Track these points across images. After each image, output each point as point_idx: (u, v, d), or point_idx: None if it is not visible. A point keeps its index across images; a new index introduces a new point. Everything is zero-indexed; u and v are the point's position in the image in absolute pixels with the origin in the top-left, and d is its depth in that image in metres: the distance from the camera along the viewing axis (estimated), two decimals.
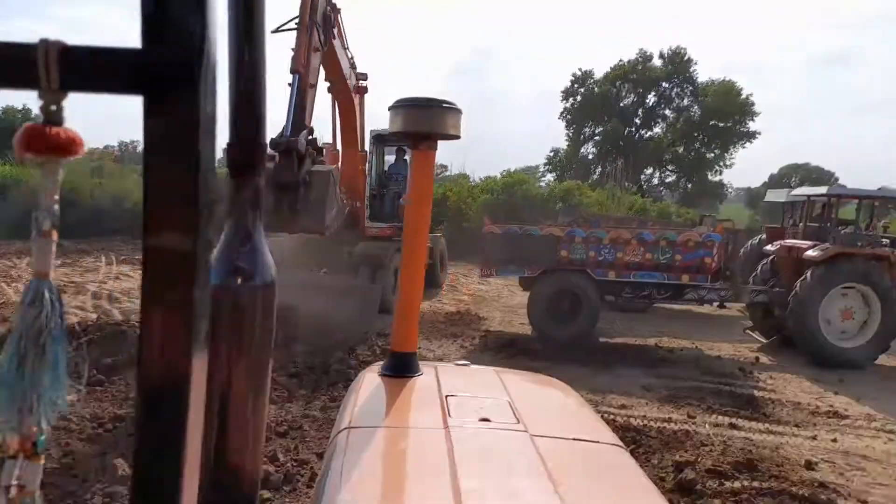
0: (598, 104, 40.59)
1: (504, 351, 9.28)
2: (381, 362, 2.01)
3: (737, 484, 5.21)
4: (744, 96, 38.61)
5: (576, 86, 41.97)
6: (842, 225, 11.47)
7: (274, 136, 7.90)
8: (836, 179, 43.62)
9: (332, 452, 1.46)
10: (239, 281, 0.83)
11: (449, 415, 1.57)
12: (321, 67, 9.33)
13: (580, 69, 42.28)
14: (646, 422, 6.61)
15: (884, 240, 11.32)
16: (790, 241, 11.04)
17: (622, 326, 11.56)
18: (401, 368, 1.92)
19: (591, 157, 41.34)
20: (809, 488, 5.17)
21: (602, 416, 6.58)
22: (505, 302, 13.69)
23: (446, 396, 1.70)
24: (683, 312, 12.85)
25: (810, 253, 9.79)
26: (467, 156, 47.85)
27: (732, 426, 6.68)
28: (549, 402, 1.95)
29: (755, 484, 5.21)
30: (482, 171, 31.63)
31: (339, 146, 12.08)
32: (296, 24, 8.57)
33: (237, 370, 0.82)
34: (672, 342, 10.54)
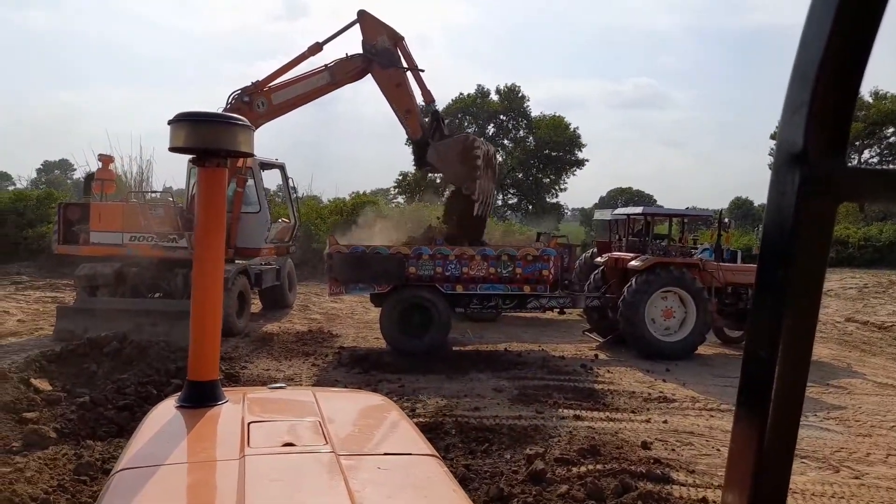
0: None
1: (358, 366, 9.12)
2: (179, 393, 1.85)
3: (583, 468, 5.47)
4: (571, 129, 42.16)
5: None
6: (658, 238, 12.83)
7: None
8: (655, 201, 48.97)
9: (101, 498, 1.32)
10: None
11: (248, 444, 1.48)
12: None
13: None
14: (498, 420, 6.76)
15: (693, 249, 12.81)
16: (616, 254, 12.12)
17: (473, 335, 11.87)
18: (200, 398, 1.80)
19: (438, 181, 42.62)
20: (646, 465, 5.57)
21: (456, 420, 6.64)
22: (359, 318, 13.50)
23: (249, 424, 1.61)
24: (529, 319, 13.50)
25: (633, 263, 10.83)
26: (314, 179, 47.25)
27: (577, 417, 7.04)
28: (365, 419, 1.91)
29: (599, 467, 5.51)
30: (332, 193, 31.19)
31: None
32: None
33: None
34: (520, 346, 11.00)
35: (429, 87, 11.20)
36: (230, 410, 1.75)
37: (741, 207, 51.09)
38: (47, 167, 68.36)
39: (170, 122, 1.76)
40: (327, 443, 1.50)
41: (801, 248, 0.62)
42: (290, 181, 14.18)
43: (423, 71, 11.13)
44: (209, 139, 1.75)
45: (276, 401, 1.96)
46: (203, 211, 1.84)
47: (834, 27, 0.58)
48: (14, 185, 37.17)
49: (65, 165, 61.63)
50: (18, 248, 21.07)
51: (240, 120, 1.80)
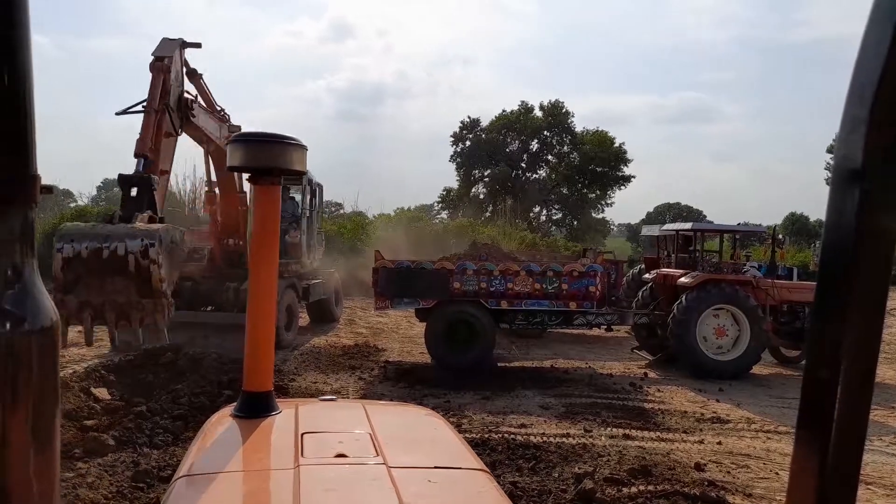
0: (486, 149, 42.40)
1: (403, 380, 9.16)
2: (234, 403, 1.91)
3: (633, 489, 5.35)
4: (616, 145, 41.75)
5: (464, 132, 43.72)
6: (709, 254, 12.53)
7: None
8: (704, 216, 47.83)
9: None
10: (8, 326, 0.76)
11: (302, 454, 1.51)
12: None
13: (468, 117, 44.16)
14: (545, 438, 6.68)
15: (745, 266, 12.43)
16: (665, 270, 11.86)
17: (519, 351, 11.78)
18: (255, 408, 1.84)
19: (482, 196, 42.76)
20: (700, 487, 5.40)
21: (502, 436, 6.59)
22: (404, 333, 13.59)
23: (302, 435, 1.64)
24: (576, 336, 13.32)
25: (683, 280, 10.61)
26: (359, 195, 47.84)
27: (626, 436, 6.90)
28: (414, 432, 1.92)
29: (650, 488, 5.37)
30: (377, 209, 31.78)
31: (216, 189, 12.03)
32: (143, 107, 8.24)
33: (14, 424, 0.74)
34: (567, 363, 10.87)
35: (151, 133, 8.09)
36: (284, 421, 1.80)
37: (796, 223, 49.40)
38: (107, 185, 71.19)
39: (228, 143, 1.85)
40: (378, 455, 1.52)
41: (861, 266, 0.61)
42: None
43: (162, 108, 8.32)
44: (264, 158, 1.84)
45: (327, 413, 2.00)
46: (258, 227, 1.91)
47: (892, 45, 0.58)
48: (75, 202, 38.86)
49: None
50: None
51: (293, 140, 1.87)
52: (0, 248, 0.79)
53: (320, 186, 14.24)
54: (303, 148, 1.89)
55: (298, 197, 13.46)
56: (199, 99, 10.01)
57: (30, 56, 0.78)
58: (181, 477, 1.44)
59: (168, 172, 8.66)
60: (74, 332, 12.69)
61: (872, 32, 0.60)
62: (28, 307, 0.78)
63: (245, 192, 11.74)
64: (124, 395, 7.50)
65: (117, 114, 8.55)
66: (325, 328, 13.91)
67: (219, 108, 10.76)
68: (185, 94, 9.16)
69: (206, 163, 11.60)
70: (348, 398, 8.03)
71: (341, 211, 30.77)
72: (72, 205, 36.12)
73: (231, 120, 11.11)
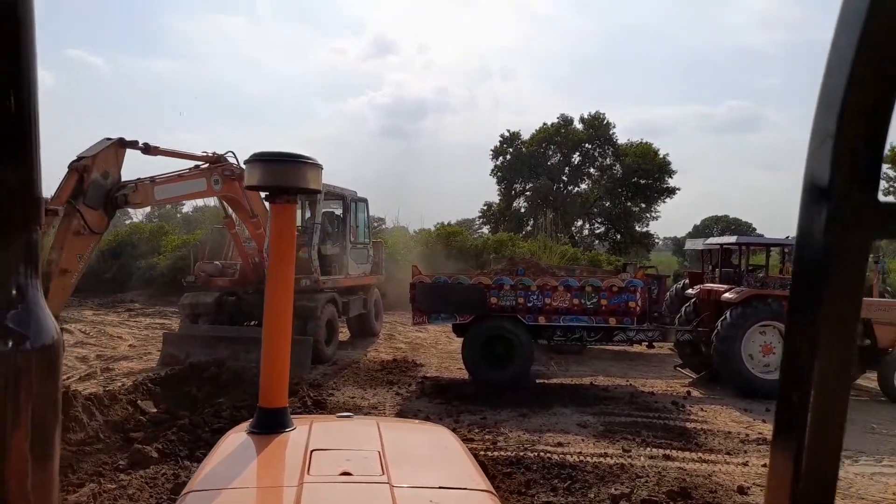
0: (526, 163, 42.35)
1: (440, 396, 9.13)
2: (251, 420, 1.94)
3: None
4: (661, 156, 41.09)
5: (504, 146, 43.82)
6: (756, 269, 12.18)
7: None
8: (754, 229, 46.49)
9: None
10: (10, 344, 0.77)
11: (308, 472, 1.53)
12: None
13: (508, 130, 44.28)
14: (582, 457, 6.55)
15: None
16: (709, 285, 11.57)
17: (558, 368, 11.63)
18: (269, 425, 1.87)
19: (523, 210, 42.60)
20: None
21: (538, 455, 6.47)
22: (443, 348, 13.58)
23: (312, 452, 1.66)
24: (617, 352, 13.08)
25: (727, 295, 10.32)
26: (400, 210, 48.26)
27: (666, 457, 6.71)
28: (424, 450, 1.92)
29: None
30: (417, 224, 32.07)
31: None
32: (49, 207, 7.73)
33: (14, 440, 0.76)
34: (607, 381, 10.67)
35: None
36: (296, 438, 1.82)
37: None
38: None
39: (246, 163, 1.89)
40: (384, 473, 1.52)
41: (832, 286, 0.59)
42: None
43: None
44: (279, 178, 1.87)
45: (340, 430, 2.00)
46: (274, 244, 1.94)
47: (859, 51, 0.56)
48: (130, 219, 40.35)
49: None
50: (132, 277, 22.79)
51: (308, 159, 1.90)
52: (5, 269, 0.82)
53: (365, 201, 14.45)
54: (318, 166, 1.91)
55: (338, 212, 13.67)
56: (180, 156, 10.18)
57: (35, 77, 0.81)
58: (189, 492, 1.47)
59: (73, 272, 8.02)
60: (125, 345, 13.15)
61: (840, 36, 0.58)
62: (31, 326, 0.81)
63: (257, 217, 11.91)
64: (170, 408, 7.68)
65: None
66: (365, 343, 14.02)
67: (210, 153, 10.59)
68: (136, 180, 9.09)
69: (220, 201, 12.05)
70: (382, 414, 8.05)
71: (384, 226, 31.06)
72: (127, 222, 37.45)
73: (238, 156, 10.82)
